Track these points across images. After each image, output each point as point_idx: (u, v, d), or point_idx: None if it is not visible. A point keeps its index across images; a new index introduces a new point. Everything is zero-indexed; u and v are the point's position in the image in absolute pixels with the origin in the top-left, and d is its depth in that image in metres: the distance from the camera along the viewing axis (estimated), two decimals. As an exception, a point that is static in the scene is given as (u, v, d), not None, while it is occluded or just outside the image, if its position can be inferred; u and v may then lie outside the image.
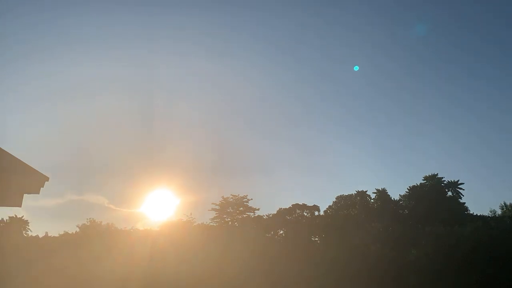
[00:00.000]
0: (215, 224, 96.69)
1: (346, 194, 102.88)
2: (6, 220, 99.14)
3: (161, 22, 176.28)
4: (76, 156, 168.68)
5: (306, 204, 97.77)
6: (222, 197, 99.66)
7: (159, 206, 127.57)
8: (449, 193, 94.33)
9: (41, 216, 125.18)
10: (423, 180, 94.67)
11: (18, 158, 8.88)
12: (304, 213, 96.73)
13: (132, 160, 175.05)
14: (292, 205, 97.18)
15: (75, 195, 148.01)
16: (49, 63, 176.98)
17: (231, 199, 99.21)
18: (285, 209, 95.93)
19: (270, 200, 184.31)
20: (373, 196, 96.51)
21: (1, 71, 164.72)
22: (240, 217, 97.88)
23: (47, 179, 8.77)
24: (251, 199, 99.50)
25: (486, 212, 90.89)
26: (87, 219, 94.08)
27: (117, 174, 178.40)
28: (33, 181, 8.69)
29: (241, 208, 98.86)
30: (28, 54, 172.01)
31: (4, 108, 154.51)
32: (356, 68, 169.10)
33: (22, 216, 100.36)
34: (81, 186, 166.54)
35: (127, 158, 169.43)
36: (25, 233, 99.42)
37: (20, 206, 8.91)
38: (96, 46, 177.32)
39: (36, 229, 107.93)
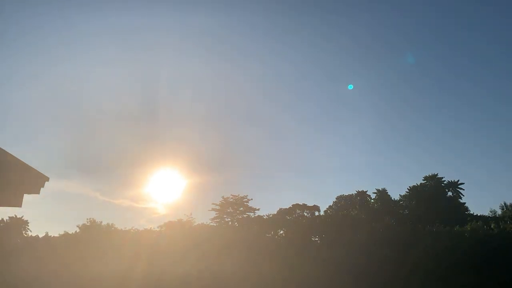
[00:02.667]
0: (215, 224, 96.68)
1: (346, 194, 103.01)
2: (6, 220, 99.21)
3: (161, 9, 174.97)
4: (67, 142, 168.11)
5: (306, 204, 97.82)
6: (222, 197, 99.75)
7: (161, 193, 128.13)
8: (449, 193, 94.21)
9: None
10: (423, 180, 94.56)
11: (18, 158, 8.86)
12: (304, 213, 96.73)
13: (130, 151, 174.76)
14: (292, 205, 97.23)
15: (63, 184, 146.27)
16: (48, 60, 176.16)
17: (231, 199, 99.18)
18: (285, 209, 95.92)
19: (270, 200, 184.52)
20: (373, 196, 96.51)
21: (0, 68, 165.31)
22: (240, 217, 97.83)
23: (47, 179, 8.75)
24: (251, 199, 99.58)
25: (486, 212, 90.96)
26: (87, 219, 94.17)
27: (115, 165, 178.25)
28: (33, 181, 8.67)
29: (241, 208, 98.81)
30: (27, 51, 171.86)
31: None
32: (351, 87, 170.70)
33: (22, 216, 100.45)
34: (72, 176, 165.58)
35: (124, 150, 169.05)
36: (25, 233, 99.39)
37: (20, 206, 8.90)
38: (95, 29, 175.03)
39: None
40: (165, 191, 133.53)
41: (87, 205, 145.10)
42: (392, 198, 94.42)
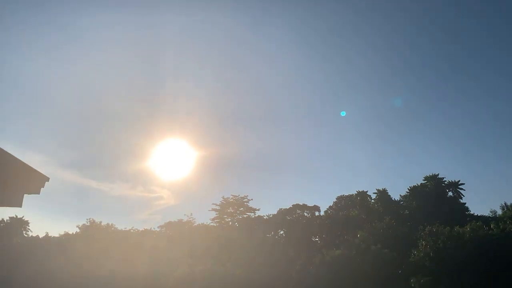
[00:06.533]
0: (215, 224, 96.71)
1: (347, 194, 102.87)
2: (6, 220, 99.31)
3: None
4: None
5: (306, 205, 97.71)
6: (223, 197, 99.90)
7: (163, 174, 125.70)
8: (450, 193, 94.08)
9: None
10: (424, 180, 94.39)
11: (18, 158, 8.85)
12: (305, 213, 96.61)
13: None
14: (293, 205, 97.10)
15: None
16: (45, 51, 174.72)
17: (232, 199, 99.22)
18: (286, 209, 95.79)
19: (270, 200, 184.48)
20: (373, 196, 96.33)
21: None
22: (240, 217, 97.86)
23: (47, 179, 8.73)
24: (252, 199, 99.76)
25: (486, 212, 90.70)
26: (87, 219, 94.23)
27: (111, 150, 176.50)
28: (33, 181, 8.65)
29: (242, 208, 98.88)
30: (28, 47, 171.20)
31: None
32: (343, 113, 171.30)
33: (23, 216, 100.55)
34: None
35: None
36: (25, 233, 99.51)
37: (21, 206, 8.88)
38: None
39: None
40: (167, 174, 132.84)
41: (85, 194, 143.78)
42: (393, 198, 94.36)
